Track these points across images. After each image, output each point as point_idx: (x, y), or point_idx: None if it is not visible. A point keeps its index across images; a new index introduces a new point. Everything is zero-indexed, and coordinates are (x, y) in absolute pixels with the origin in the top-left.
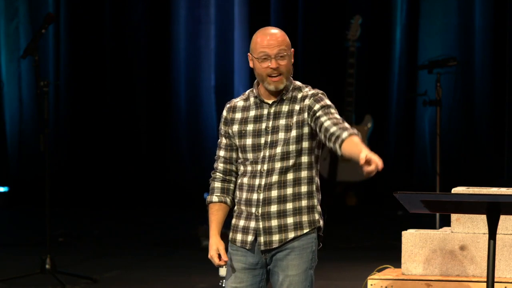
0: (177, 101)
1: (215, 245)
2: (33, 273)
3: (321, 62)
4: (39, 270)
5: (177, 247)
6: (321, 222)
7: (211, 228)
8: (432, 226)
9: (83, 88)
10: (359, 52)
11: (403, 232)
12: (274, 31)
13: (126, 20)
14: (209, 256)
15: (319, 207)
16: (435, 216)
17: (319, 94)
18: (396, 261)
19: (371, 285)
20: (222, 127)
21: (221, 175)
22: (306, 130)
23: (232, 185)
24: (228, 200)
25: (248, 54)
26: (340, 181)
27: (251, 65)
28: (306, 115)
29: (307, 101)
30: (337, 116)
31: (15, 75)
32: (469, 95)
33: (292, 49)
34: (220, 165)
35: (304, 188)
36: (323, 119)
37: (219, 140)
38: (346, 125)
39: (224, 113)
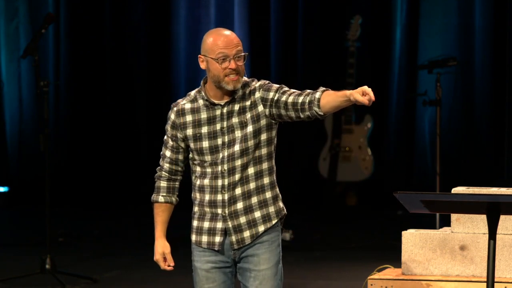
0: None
1: (161, 248)
2: (33, 273)
3: (321, 62)
4: (39, 270)
5: (177, 247)
6: (285, 210)
7: (156, 230)
8: (432, 226)
9: (83, 88)
10: (359, 52)
11: (403, 232)
12: (228, 32)
13: (126, 20)
14: (154, 259)
15: (280, 195)
16: (435, 216)
17: (266, 83)
18: (396, 261)
19: (371, 285)
20: (168, 129)
21: (167, 174)
22: (263, 122)
23: (177, 183)
24: (173, 199)
25: (200, 56)
26: (340, 181)
27: (203, 66)
28: (261, 107)
29: (257, 94)
30: (295, 90)
31: (15, 75)
32: (469, 95)
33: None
34: (166, 165)
35: (266, 180)
36: (283, 98)
37: (165, 138)
38: (311, 90)
39: (172, 116)
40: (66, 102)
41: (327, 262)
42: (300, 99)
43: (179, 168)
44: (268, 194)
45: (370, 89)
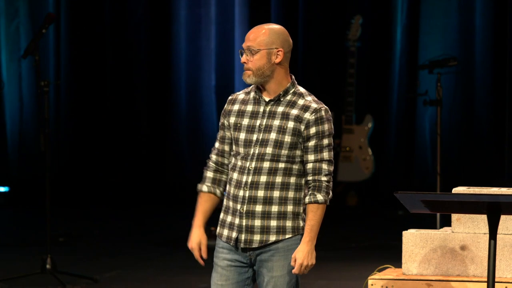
0: (177, 101)
1: (197, 237)
2: (33, 273)
3: (321, 62)
4: (39, 270)
5: (177, 247)
6: (303, 230)
7: (196, 218)
8: (433, 226)
9: (83, 88)
10: (359, 52)
11: (404, 232)
12: (256, 27)
13: (126, 20)
14: (189, 246)
15: (304, 214)
16: (436, 216)
17: (324, 118)
18: (396, 261)
19: (372, 285)
20: (221, 119)
21: (214, 165)
22: (301, 139)
23: (224, 176)
24: (218, 191)
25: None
26: (340, 181)
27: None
28: (303, 127)
29: (308, 115)
30: (325, 154)
31: (15, 75)
32: (469, 95)
33: (281, 49)
34: (213, 157)
35: (291, 194)
36: (310, 156)
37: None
38: (322, 175)
39: (226, 105)
40: (67, 102)
41: (327, 262)
42: (309, 177)
43: (225, 161)
44: (290, 208)
45: (300, 267)
